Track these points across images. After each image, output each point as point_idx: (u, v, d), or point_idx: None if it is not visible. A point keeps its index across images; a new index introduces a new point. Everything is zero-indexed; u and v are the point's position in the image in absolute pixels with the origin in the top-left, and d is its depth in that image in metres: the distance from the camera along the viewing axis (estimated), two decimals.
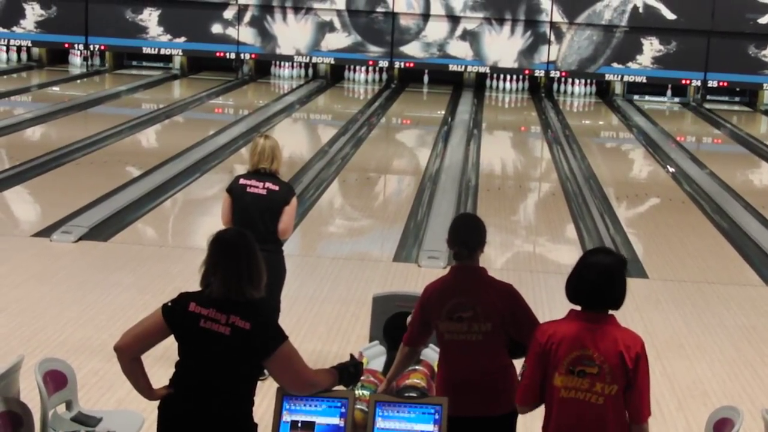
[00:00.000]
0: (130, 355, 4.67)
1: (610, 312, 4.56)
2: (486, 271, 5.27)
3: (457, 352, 5.12)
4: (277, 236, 7.44)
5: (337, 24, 25.69)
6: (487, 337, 5.06)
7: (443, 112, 22.76)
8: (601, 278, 4.49)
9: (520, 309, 5.13)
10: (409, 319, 5.51)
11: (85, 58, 26.73)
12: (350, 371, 4.82)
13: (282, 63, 26.64)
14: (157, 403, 4.68)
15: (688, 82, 25.44)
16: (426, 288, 5.26)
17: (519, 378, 4.70)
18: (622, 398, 4.47)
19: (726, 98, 25.79)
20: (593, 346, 4.44)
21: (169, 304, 4.62)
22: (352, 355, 5.00)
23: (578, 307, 4.62)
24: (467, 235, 5.27)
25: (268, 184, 7.40)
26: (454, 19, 25.50)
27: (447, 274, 5.26)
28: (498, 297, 5.12)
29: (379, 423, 4.74)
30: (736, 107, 25.54)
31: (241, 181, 7.50)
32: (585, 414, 4.45)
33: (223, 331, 4.49)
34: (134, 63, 27.05)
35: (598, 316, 4.51)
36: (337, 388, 4.77)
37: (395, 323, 6.65)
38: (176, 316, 4.58)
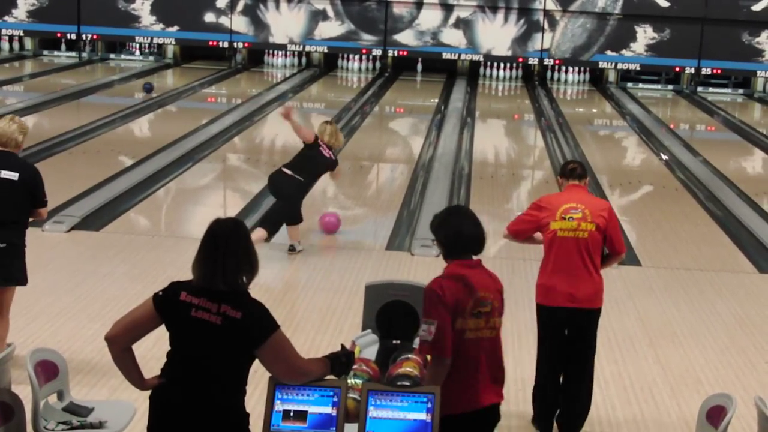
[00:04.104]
0: (121, 345, 4.64)
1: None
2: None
3: (564, 246, 6.53)
4: (315, 179, 10.65)
5: (330, 12, 25.65)
6: (591, 235, 6.52)
7: (436, 101, 22.73)
8: (474, 230, 5.12)
9: (613, 223, 6.67)
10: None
11: (79, 48, 26.67)
12: (342, 361, 4.81)
13: (275, 52, 26.62)
14: (148, 393, 4.67)
15: (681, 69, 25.45)
16: (542, 197, 6.87)
17: (428, 333, 4.90)
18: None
19: (729, 91, 25.81)
20: (483, 288, 5.01)
21: (160, 293, 4.60)
22: (343, 345, 4.99)
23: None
24: (581, 165, 6.94)
25: (332, 155, 10.57)
26: (447, 7, 25.48)
27: (562, 191, 6.81)
28: (600, 207, 6.66)
29: (372, 412, 4.73)
30: (728, 97, 25.55)
31: (320, 141, 10.49)
32: (485, 348, 5.02)
33: (215, 320, 4.47)
34: (122, 56, 27.09)
35: (474, 262, 5.11)
36: (328, 377, 4.76)
37: (388, 312, 6.64)
38: (167, 305, 4.55)
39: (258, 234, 10.07)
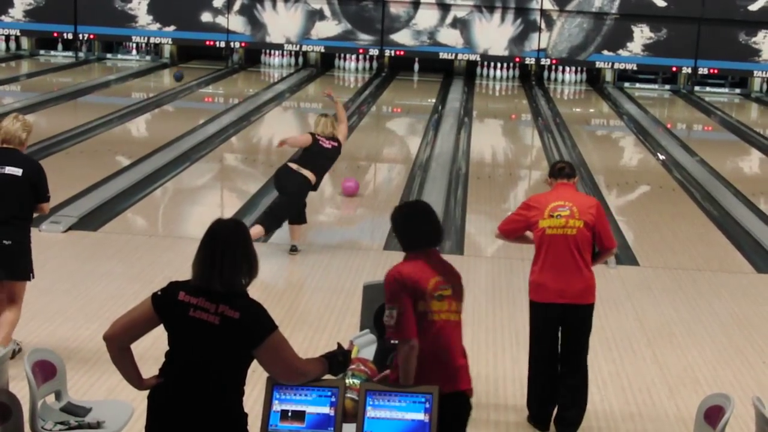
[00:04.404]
0: (119, 344, 4.64)
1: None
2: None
3: (554, 243, 6.64)
4: (322, 175, 10.58)
5: (327, 12, 25.64)
6: (580, 232, 6.63)
7: (434, 100, 22.73)
8: (431, 225, 5.34)
9: (602, 219, 6.76)
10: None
11: (76, 48, 26.65)
12: (339, 360, 4.82)
13: (272, 51, 26.61)
14: (146, 393, 4.66)
15: (678, 69, 25.46)
16: (532, 197, 7.03)
17: (390, 318, 5.06)
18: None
19: (726, 90, 25.84)
20: (442, 272, 5.20)
21: (159, 293, 4.60)
22: (339, 344, 4.99)
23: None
24: (569, 165, 7.08)
25: (332, 143, 10.60)
26: (444, 7, 25.47)
27: (551, 190, 6.90)
28: (588, 204, 6.78)
29: (370, 412, 4.73)
30: (725, 97, 25.56)
31: (317, 136, 10.55)
32: (450, 331, 5.19)
33: (213, 320, 4.47)
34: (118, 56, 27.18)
35: (431, 251, 5.29)
36: (326, 377, 4.76)
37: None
38: (165, 305, 4.55)
39: (255, 230, 10.07)
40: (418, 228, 5.31)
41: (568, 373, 6.79)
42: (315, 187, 10.57)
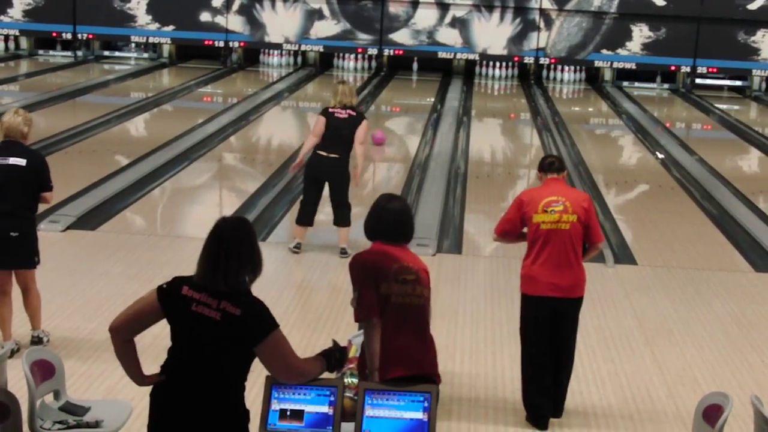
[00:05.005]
0: (122, 336, 4.64)
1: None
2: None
3: (548, 238, 6.69)
4: (350, 148, 10.39)
5: (326, 11, 25.64)
6: (573, 226, 6.69)
7: (432, 100, 22.73)
8: (401, 218, 5.52)
9: (592, 214, 6.83)
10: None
11: (75, 48, 26.63)
12: (336, 356, 4.83)
13: (271, 51, 26.60)
14: (145, 392, 4.66)
15: (677, 68, 25.45)
16: (524, 192, 7.00)
17: (354, 301, 5.33)
18: (430, 299, 5.49)
19: (727, 83, 25.86)
20: (405, 259, 5.38)
21: (164, 285, 4.61)
22: (335, 341, 5.00)
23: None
24: (558, 159, 7.16)
25: (349, 111, 10.36)
26: (443, 6, 25.47)
27: (542, 185, 6.95)
28: (580, 198, 6.84)
29: (368, 411, 4.74)
30: (725, 101, 25.57)
31: (330, 109, 10.39)
32: (413, 314, 5.32)
33: (214, 316, 4.48)
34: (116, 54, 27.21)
35: (397, 243, 5.46)
36: (323, 375, 4.76)
37: None
38: (170, 298, 4.56)
39: (343, 232, 10.62)
40: (379, 222, 5.51)
41: (557, 366, 6.85)
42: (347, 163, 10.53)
